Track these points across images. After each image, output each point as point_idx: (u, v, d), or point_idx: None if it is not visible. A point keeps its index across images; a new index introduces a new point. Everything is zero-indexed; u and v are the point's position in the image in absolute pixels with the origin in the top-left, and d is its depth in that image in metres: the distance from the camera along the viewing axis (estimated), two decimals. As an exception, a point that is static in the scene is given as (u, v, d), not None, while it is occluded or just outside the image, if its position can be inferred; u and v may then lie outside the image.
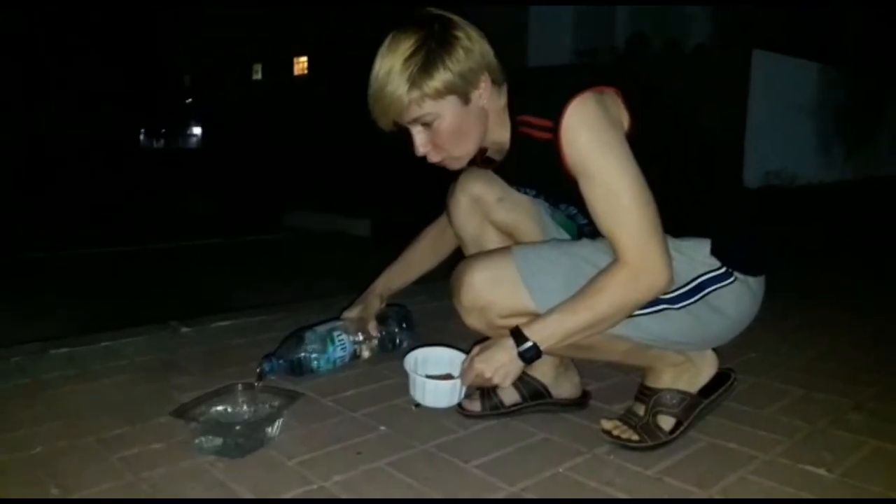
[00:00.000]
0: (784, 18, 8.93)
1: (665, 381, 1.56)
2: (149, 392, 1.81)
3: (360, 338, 1.95)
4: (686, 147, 1.47)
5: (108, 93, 21.70)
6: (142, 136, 30.53)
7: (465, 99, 1.36)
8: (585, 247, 1.45)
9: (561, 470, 1.43)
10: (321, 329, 1.91)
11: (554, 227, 1.65)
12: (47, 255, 4.85)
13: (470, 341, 1.58)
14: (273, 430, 1.53)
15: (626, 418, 1.57)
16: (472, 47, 1.34)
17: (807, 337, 2.40)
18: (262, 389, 1.66)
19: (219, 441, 1.45)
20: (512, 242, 1.61)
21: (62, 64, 19.83)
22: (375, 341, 1.99)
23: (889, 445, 1.56)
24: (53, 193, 9.91)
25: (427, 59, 1.31)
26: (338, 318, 1.98)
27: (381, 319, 1.99)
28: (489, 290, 1.43)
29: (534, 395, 1.69)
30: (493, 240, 1.64)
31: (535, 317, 1.40)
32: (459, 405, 1.67)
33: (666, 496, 1.32)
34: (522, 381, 1.66)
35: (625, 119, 1.36)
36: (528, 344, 1.38)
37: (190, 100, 28.35)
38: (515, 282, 1.41)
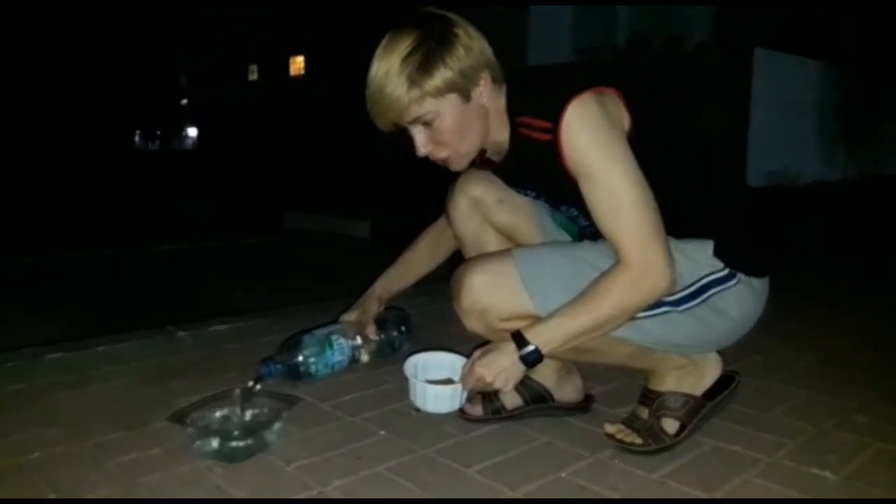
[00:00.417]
0: (785, 17, 8.91)
1: (669, 384, 1.54)
2: (146, 397, 1.79)
3: (359, 342, 1.94)
4: (687, 147, 1.46)
5: (102, 94, 21.67)
6: (137, 138, 30.50)
7: (466, 97, 1.34)
8: (587, 249, 1.44)
9: (564, 474, 1.41)
10: (319, 333, 1.89)
11: (555, 228, 1.64)
12: (43, 258, 4.83)
13: (470, 345, 1.57)
14: (271, 434, 1.52)
15: (630, 422, 1.56)
16: (472, 45, 1.33)
17: (810, 339, 2.39)
18: (260, 394, 1.65)
19: (217, 446, 1.44)
20: (512, 244, 1.59)
21: (56, 64, 19.80)
22: (374, 345, 1.97)
23: (893, 447, 1.54)
24: (48, 195, 9.90)
25: (427, 57, 1.29)
26: (336, 321, 1.96)
27: (380, 323, 1.98)
28: (489, 293, 1.42)
29: (536, 398, 1.67)
30: (493, 242, 1.62)
31: (536, 320, 1.39)
32: (461, 409, 1.66)
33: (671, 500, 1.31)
34: (524, 385, 1.64)
35: (625, 119, 1.34)
36: (530, 348, 1.36)
37: (186, 101, 28.32)
38: (516, 284, 1.40)
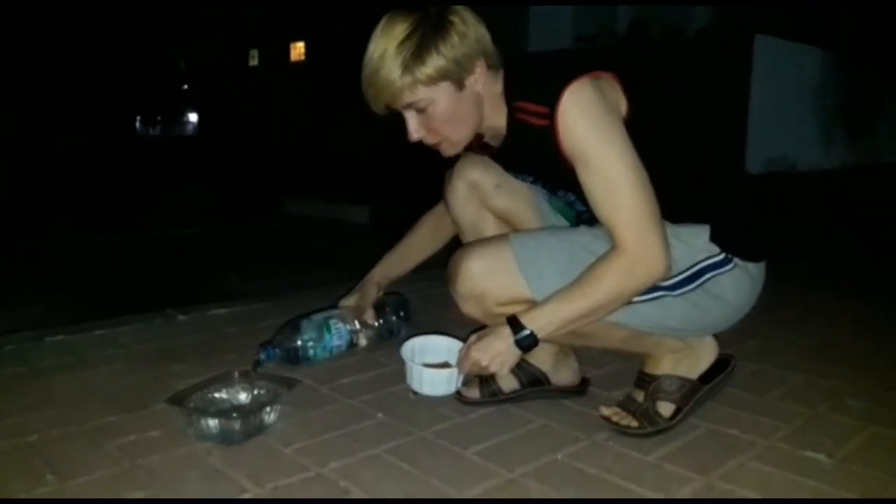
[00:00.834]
0: (785, 4, 8.87)
1: (664, 368, 1.55)
2: (145, 380, 1.80)
3: (358, 326, 1.94)
4: (684, 132, 1.46)
5: (100, 79, 21.59)
6: (138, 124, 30.39)
7: (460, 85, 1.34)
8: (583, 234, 1.44)
9: (560, 456, 1.42)
10: (317, 318, 1.90)
11: (552, 213, 1.64)
12: (43, 243, 4.84)
13: (468, 329, 1.58)
14: (270, 417, 1.53)
15: (626, 405, 1.57)
16: (468, 32, 1.32)
17: (806, 324, 2.40)
18: (259, 377, 1.66)
19: (216, 428, 1.45)
20: (510, 229, 1.60)
21: (54, 49, 19.70)
22: (372, 330, 1.98)
23: (888, 431, 1.56)
24: (48, 181, 9.89)
25: (420, 44, 1.29)
26: (335, 306, 1.97)
27: (379, 308, 1.98)
28: (486, 278, 1.42)
29: (532, 382, 1.68)
30: (491, 226, 1.63)
31: (533, 304, 1.39)
32: (458, 392, 1.67)
33: (665, 482, 1.32)
34: (521, 369, 1.65)
35: (622, 104, 1.34)
36: (525, 332, 1.37)
37: (186, 86, 28.22)
38: (512, 269, 1.41)
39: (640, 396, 1.56)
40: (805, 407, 1.68)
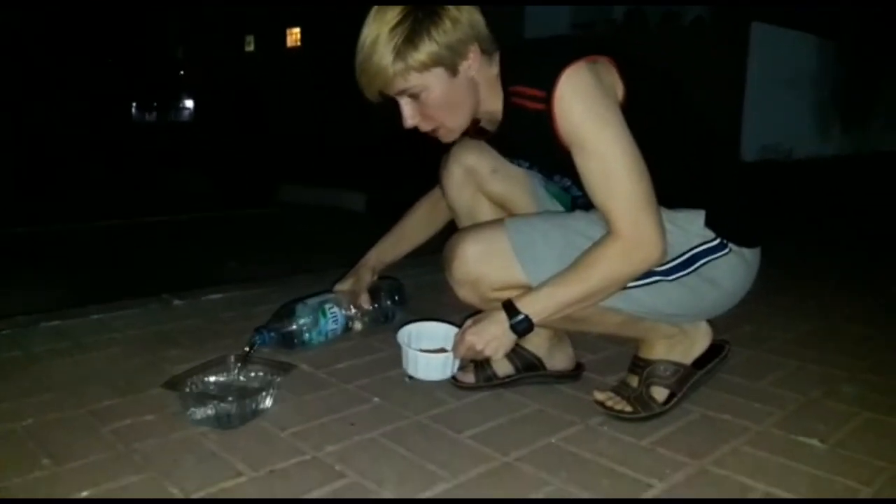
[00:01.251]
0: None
1: (659, 353, 1.56)
2: (141, 364, 1.81)
3: (353, 311, 1.94)
4: (681, 117, 1.46)
5: (98, 65, 21.50)
6: (133, 110, 30.26)
7: (453, 70, 1.33)
8: (579, 219, 1.44)
9: (554, 440, 1.43)
10: (312, 302, 1.90)
11: (548, 198, 1.64)
12: (39, 228, 4.83)
13: (464, 314, 1.58)
14: (266, 401, 1.53)
15: (620, 389, 1.57)
16: (460, 17, 1.31)
17: (801, 310, 2.40)
18: (254, 361, 1.66)
19: (211, 412, 1.45)
20: (505, 214, 1.60)
21: (54, 34, 19.60)
22: (368, 314, 1.98)
23: (881, 416, 1.56)
24: (44, 166, 9.86)
25: (412, 29, 1.28)
26: (330, 290, 1.97)
27: (374, 292, 1.98)
28: (481, 263, 1.43)
29: (527, 366, 1.68)
30: (487, 211, 1.63)
31: (528, 289, 1.39)
32: (453, 377, 1.67)
33: (659, 467, 1.32)
34: (516, 353, 1.65)
35: (619, 88, 1.34)
36: (521, 317, 1.37)
37: (182, 72, 28.09)
38: (508, 255, 1.41)
39: (634, 381, 1.57)
40: (799, 393, 1.68)
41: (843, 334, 2.15)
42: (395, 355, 1.73)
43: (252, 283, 2.61)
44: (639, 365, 1.58)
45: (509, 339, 1.42)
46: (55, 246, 4.37)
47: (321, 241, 4.61)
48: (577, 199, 1.55)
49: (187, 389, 1.52)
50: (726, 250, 1.42)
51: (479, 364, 1.67)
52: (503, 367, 1.67)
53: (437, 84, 1.33)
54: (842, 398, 1.66)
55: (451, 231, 1.60)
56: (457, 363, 1.64)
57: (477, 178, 1.61)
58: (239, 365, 1.63)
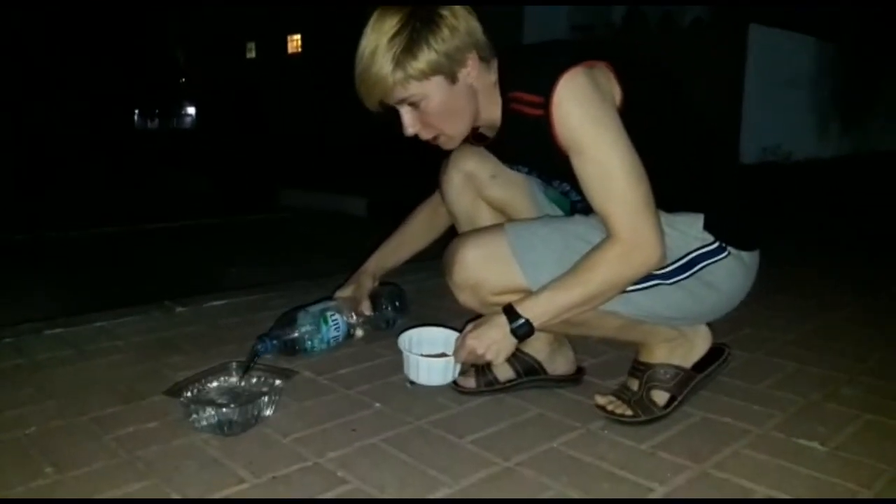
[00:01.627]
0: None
1: (659, 356, 1.56)
2: (143, 371, 1.81)
3: (354, 317, 1.95)
4: (680, 121, 1.47)
5: (100, 72, 21.53)
6: (136, 117, 30.31)
7: (452, 78, 1.34)
8: (578, 223, 1.45)
9: (555, 445, 1.43)
10: (314, 309, 1.91)
11: (547, 203, 1.65)
12: (42, 235, 4.84)
13: (465, 319, 1.58)
14: (268, 407, 1.54)
15: (620, 393, 1.58)
16: (458, 25, 1.32)
17: (801, 312, 2.40)
18: (256, 367, 1.66)
19: (213, 419, 1.45)
20: (505, 219, 1.60)
21: (52, 43, 19.63)
22: (369, 321, 1.99)
23: (882, 419, 1.56)
24: (46, 174, 9.87)
25: (411, 38, 1.29)
26: (331, 297, 1.97)
27: (375, 299, 1.99)
28: (481, 268, 1.43)
29: (528, 371, 1.69)
30: (486, 217, 1.64)
31: (528, 294, 1.40)
32: (454, 382, 1.68)
33: (659, 470, 1.33)
34: (517, 358, 1.66)
35: (616, 93, 1.35)
36: (521, 321, 1.38)
37: (184, 79, 28.15)
38: (508, 259, 1.41)
39: (634, 385, 1.57)
40: (799, 395, 1.69)
41: (844, 335, 2.15)
42: (397, 361, 1.74)
43: (254, 290, 2.61)
44: (639, 369, 1.58)
45: (510, 343, 1.42)
46: (57, 253, 4.38)
47: (323, 245, 4.61)
48: (576, 203, 1.55)
49: (189, 396, 1.52)
50: (725, 254, 1.43)
51: (480, 369, 1.68)
52: (504, 372, 1.68)
53: (437, 92, 1.34)
54: (842, 400, 1.66)
55: (451, 236, 1.61)
56: (458, 368, 1.65)
57: (476, 184, 1.62)
58: (241, 371, 1.64)
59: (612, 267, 1.34)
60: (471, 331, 1.46)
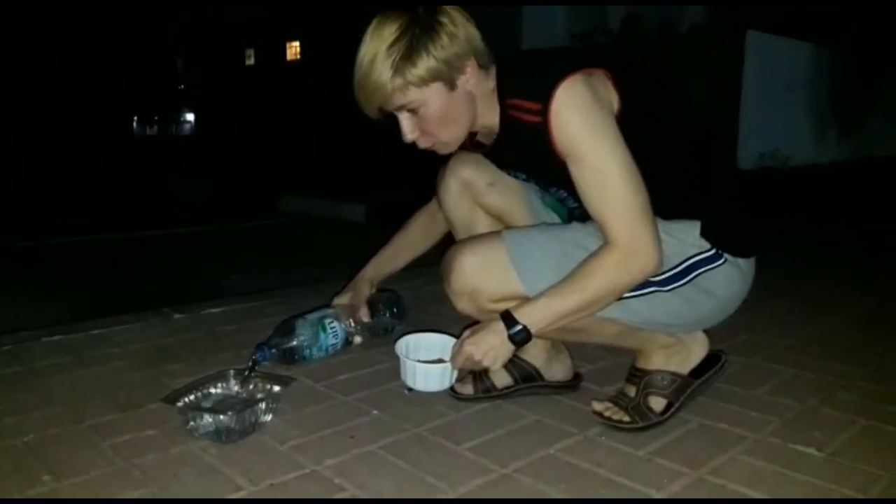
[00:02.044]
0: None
1: (656, 363, 1.56)
2: (141, 379, 1.81)
3: (352, 325, 1.95)
4: (677, 129, 1.47)
5: (99, 79, 21.56)
6: (135, 124, 30.36)
7: (451, 85, 1.35)
8: (575, 230, 1.45)
9: (552, 451, 1.43)
10: (312, 317, 1.91)
11: (544, 210, 1.65)
12: (40, 243, 4.84)
13: (463, 326, 1.59)
14: (266, 414, 1.54)
15: (618, 400, 1.58)
16: (457, 32, 1.33)
17: (797, 318, 2.41)
18: (254, 374, 1.66)
19: (211, 426, 1.46)
20: (502, 226, 1.61)
21: (52, 51, 19.67)
22: (367, 328, 1.99)
23: (878, 424, 1.57)
24: (45, 181, 9.88)
25: (410, 45, 1.29)
26: (328, 305, 1.98)
27: (372, 305, 1.99)
28: (479, 275, 1.44)
29: (526, 377, 1.69)
30: (484, 224, 1.64)
31: (526, 300, 1.40)
32: (452, 388, 1.68)
33: (657, 477, 1.33)
34: (514, 364, 1.66)
35: (614, 100, 1.35)
36: (519, 327, 1.38)
37: (183, 86, 28.20)
38: (505, 266, 1.42)
39: (631, 391, 1.57)
40: (796, 401, 1.69)
41: (839, 341, 2.15)
42: (395, 367, 1.74)
43: (252, 296, 2.62)
44: (636, 375, 1.58)
45: (507, 349, 1.43)
46: (55, 259, 4.38)
47: (321, 252, 4.62)
48: (573, 210, 1.56)
49: (187, 403, 1.52)
50: (722, 260, 1.43)
51: (478, 375, 1.68)
52: (501, 379, 1.68)
53: (436, 99, 1.35)
54: (839, 406, 1.67)
55: (448, 242, 1.61)
56: (455, 374, 1.65)
57: (474, 191, 1.62)
58: (239, 379, 1.64)
59: (609, 273, 1.34)
60: (468, 337, 1.47)
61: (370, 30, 1.33)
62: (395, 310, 2.09)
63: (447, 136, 1.41)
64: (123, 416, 1.58)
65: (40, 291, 3.40)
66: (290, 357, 1.85)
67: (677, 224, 1.42)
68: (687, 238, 1.42)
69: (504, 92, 1.41)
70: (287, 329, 1.87)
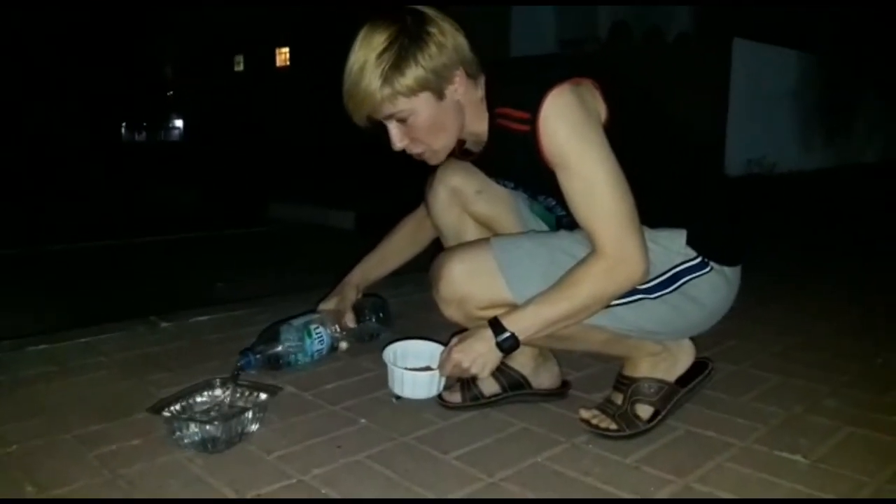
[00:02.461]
0: (763, 7, 8.97)
1: (643, 371, 1.57)
2: (127, 388, 1.80)
3: (338, 330, 1.94)
4: (665, 138, 1.48)
5: (86, 84, 21.48)
6: (123, 130, 30.25)
7: (440, 94, 1.35)
8: (563, 238, 1.46)
9: (539, 459, 1.43)
10: (297, 322, 1.90)
11: (532, 218, 1.65)
12: (26, 250, 4.81)
13: (450, 333, 1.59)
14: (252, 424, 1.53)
15: (605, 407, 1.58)
16: (446, 42, 1.33)
17: (784, 325, 2.42)
18: (240, 384, 1.65)
19: (197, 436, 1.45)
20: (490, 234, 1.61)
21: (43, 54, 19.59)
22: (352, 333, 1.98)
23: (863, 431, 1.57)
24: (32, 188, 9.82)
25: (399, 55, 1.30)
26: (314, 310, 1.97)
27: (358, 311, 1.98)
28: (467, 282, 1.44)
29: (513, 385, 1.69)
30: (472, 232, 1.64)
31: (514, 307, 1.40)
32: (440, 396, 1.68)
33: (643, 485, 1.33)
34: (502, 372, 1.66)
35: (602, 110, 1.36)
36: (506, 334, 1.38)
37: (171, 92, 28.13)
38: (493, 273, 1.42)
39: (619, 399, 1.57)
40: (782, 408, 1.70)
41: (825, 348, 2.16)
42: (382, 376, 1.73)
43: (239, 304, 2.60)
44: (623, 383, 1.59)
45: (495, 356, 1.43)
46: (42, 268, 4.35)
47: (310, 259, 4.61)
48: (561, 218, 1.56)
49: (173, 413, 1.51)
50: (708, 269, 1.44)
51: (466, 383, 1.68)
52: (489, 387, 1.68)
53: (425, 108, 1.35)
54: (825, 413, 1.67)
55: (436, 249, 1.61)
56: (443, 381, 1.65)
57: (462, 199, 1.63)
58: (225, 388, 1.63)
59: (596, 281, 1.34)
60: (456, 344, 1.47)
61: (359, 38, 1.33)
62: (380, 315, 2.08)
63: (436, 145, 1.42)
64: (109, 426, 1.57)
65: (26, 300, 3.38)
66: (276, 363, 1.84)
67: (663, 232, 1.43)
68: (673, 246, 1.43)
69: (493, 100, 1.41)
70: (272, 335, 1.86)
